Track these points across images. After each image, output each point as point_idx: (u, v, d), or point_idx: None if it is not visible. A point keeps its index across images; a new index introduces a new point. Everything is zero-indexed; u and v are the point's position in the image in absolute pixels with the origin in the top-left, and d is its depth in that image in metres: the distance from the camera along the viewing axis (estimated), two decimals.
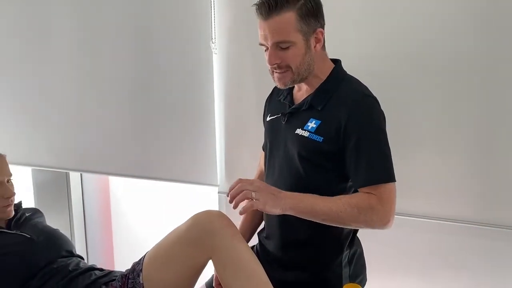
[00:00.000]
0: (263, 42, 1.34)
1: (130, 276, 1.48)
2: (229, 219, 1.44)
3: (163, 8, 2.07)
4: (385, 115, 1.38)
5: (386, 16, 1.74)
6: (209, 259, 1.42)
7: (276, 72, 1.36)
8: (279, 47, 1.31)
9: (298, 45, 1.32)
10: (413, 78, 1.75)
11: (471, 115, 1.72)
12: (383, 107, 1.38)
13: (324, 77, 1.41)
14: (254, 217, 1.65)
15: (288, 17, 1.28)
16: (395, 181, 1.33)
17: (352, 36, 1.80)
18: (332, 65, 1.44)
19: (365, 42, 1.79)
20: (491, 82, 1.67)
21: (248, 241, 1.64)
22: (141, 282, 1.45)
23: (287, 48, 1.31)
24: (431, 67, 1.72)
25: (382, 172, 1.32)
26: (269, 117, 1.55)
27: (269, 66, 1.36)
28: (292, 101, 1.48)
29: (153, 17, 2.11)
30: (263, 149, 1.65)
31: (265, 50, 1.36)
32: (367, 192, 1.31)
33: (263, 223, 1.63)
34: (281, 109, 1.49)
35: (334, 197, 1.32)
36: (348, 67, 1.46)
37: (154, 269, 1.45)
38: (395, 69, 1.77)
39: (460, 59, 1.69)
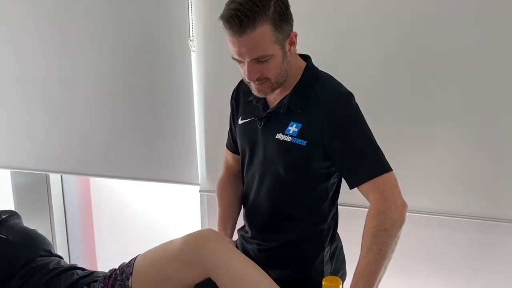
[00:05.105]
0: (238, 58, 1.27)
1: (119, 278, 1.45)
2: (221, 234, 1.43)
3: (140, 7, 2.06)
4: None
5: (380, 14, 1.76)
6: (205, 278, 1.37)
7: (254, 83, 1.31)
8: (258, 61, 1.25)
9: (276, 56, 1.26)
10: (409, 75, 1.77)
11: (467, 111, 1.74)
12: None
13: (297, 76, 1.37)
14: (234, 206, 1.58)
15: (264, 31, 1.21)
16: (392, 169, 1.29)
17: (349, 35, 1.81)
18: (303, 63, 1.39)
19: (363, 42, 1.80)
20: (490, 79, 1.69)
21: (231, 233, 1.56)
22: (129, 286, 1.42)
23: (265, 60, 1.25)
24: (426, 66, 1.75)
25: (378, 163, 1.29)
26: (241, 120, 1.49)
27: (246, 80, 1.32)
28: (266, 103, 1.42)
29: (129, 17, 2.09)
30: (227, 148, 1.64)
31: (238, 63, 1.30)
32: (368, 190, 1.27)
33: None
34: (255, 113, 1.43)
35: (366, 259, 1.23)
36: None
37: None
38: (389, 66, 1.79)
39: (459, 57, 1.71)
